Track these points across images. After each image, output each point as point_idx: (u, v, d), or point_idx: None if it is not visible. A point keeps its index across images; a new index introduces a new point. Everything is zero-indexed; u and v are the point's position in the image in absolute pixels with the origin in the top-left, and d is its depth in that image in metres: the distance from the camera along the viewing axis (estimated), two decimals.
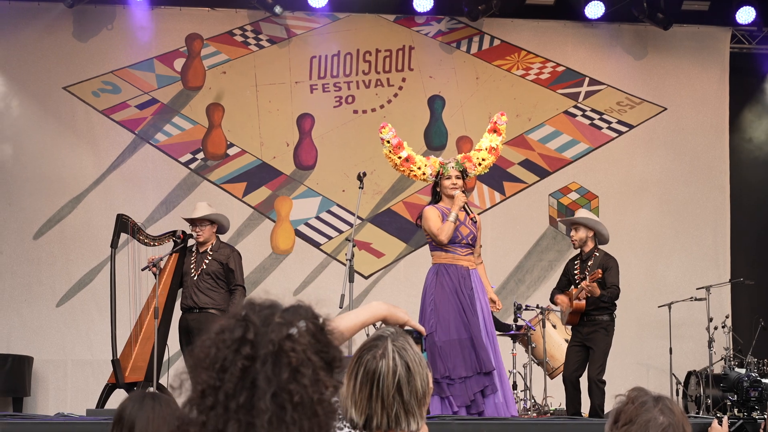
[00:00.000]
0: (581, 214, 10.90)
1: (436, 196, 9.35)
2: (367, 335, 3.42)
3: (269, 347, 2.17)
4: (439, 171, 9.33)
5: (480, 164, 9.53)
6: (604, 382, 10.14)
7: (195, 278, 10.22)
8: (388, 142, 9.45)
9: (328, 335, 2.27)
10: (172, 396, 4.14)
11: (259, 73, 14.17)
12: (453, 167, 9.29)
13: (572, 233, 10.55)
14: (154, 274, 10.13)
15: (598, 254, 10.39)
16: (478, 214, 9.73)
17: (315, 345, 2.23)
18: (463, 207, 9.19)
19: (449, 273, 9.07)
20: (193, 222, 10.38)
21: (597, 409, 9.93)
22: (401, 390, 3.14)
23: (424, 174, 9.42)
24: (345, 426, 3.35)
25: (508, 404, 9.01)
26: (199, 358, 2.21)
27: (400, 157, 9.39)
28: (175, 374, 2.26)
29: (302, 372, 2.17)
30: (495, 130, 9.63)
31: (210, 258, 10.25)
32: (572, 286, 10.39)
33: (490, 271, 12.55)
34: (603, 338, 10.27)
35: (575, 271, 10.46)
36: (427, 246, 9.53)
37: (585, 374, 10.31)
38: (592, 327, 10.28)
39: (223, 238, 10.72)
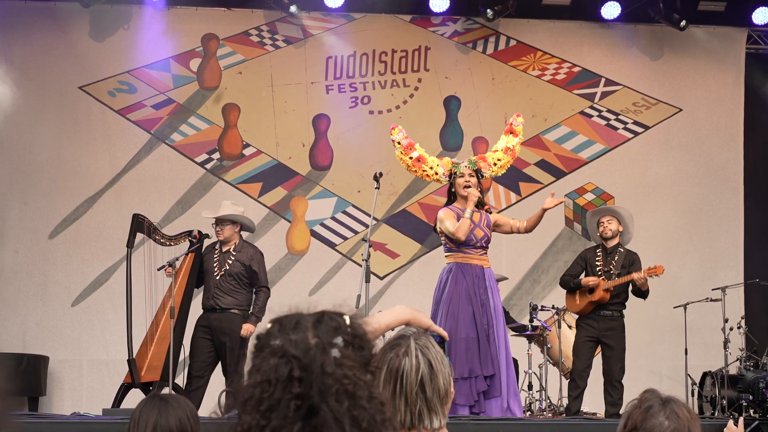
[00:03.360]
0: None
1: (451, 197, 9.32)
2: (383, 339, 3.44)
3: (321, 381, 2.15)
4: (451, 170, 9.28)
5: (495, 164, 9.47)
6: (622, 384, 10.18)
7: (218, 278, 10.19)
8: (399, 143, 9.41)
9: (361, 332, 2.27)
10: (186, 396, 4.18)
11: (275, 73, 14.19)
12: (466, 166, 9.25)
13: (606, 223, 10.53)
14: (170, 275, 10.10)
15: (622, 250, 10.52)
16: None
17: (358, 357, 2.22)
18: (478, 206, 9.19)
19: (463, 271, 9.03)
20: (216, 221, 10.38)
21: (617, 410, 9.93)
22: (424, 387, 3.18)
23: (436, 174, 9.35)
24: None
25: (510, 402, 8.96)
26: (242, 398, 2.17)
27: (411, 158, 9.33)
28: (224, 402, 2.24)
29: (360, 395, 2.16)
30: (511, 132, 9.59)
31: (233, 259, 10.23)
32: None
33: (506, 271, 12.57)
34: (620, 336, 10.33)
35: (597, 262, 10.46)
36: (441, 247, 9.50)
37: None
38: (610, 323, 10.34)
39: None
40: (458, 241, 9.04)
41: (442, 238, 9.25)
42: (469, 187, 9.13)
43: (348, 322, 2.26)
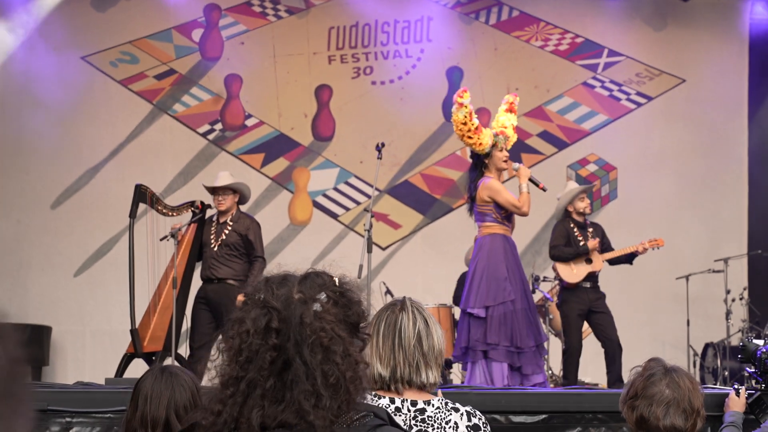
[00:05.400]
0: (572, 185, 10.82)
1: (481, 167, 9.21)
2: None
3: (298, 331, 2.20)
4: (494, 143, 9.16)
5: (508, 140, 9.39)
6: None
7: (215, 249, 10.19)
8: (466, 107, 9.09)
9: (349, 294, 2.30)
10: (189, 367, 4.19)
11: (277, 43, 14.16)
12: (502, 140, 9.18)
13: (586, 199, 10.49)
14: (175, 240, 10.11)
15: (590, 223, 10.54)
16: None
17: (340, 314, 2.27)
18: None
19: (509, 244, 9.07)
20: (215, 191, 10.35)
21: (620, 378, 9.94)
22: (421, 341, 3.41)
23: (486, 144, 9.19)
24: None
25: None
26: (223, 349, 2.26)
27: (473, 124, 9.05)
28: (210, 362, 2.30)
29: (334, 350, 2.21)
30: (511, 110, 9.51)
31: (230, 229, 10.22)
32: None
33: None
34: (605, 302, 10.34)
35: (577, 235, 10.43)
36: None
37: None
38: (597, 293, 10.34)
39: (242, 208, 10.71)
40: (510, 213, 9.04)
41: (486, 208, 9.07)
42: (506, 161, 9.14)
43: (337, 282, 2.31)
